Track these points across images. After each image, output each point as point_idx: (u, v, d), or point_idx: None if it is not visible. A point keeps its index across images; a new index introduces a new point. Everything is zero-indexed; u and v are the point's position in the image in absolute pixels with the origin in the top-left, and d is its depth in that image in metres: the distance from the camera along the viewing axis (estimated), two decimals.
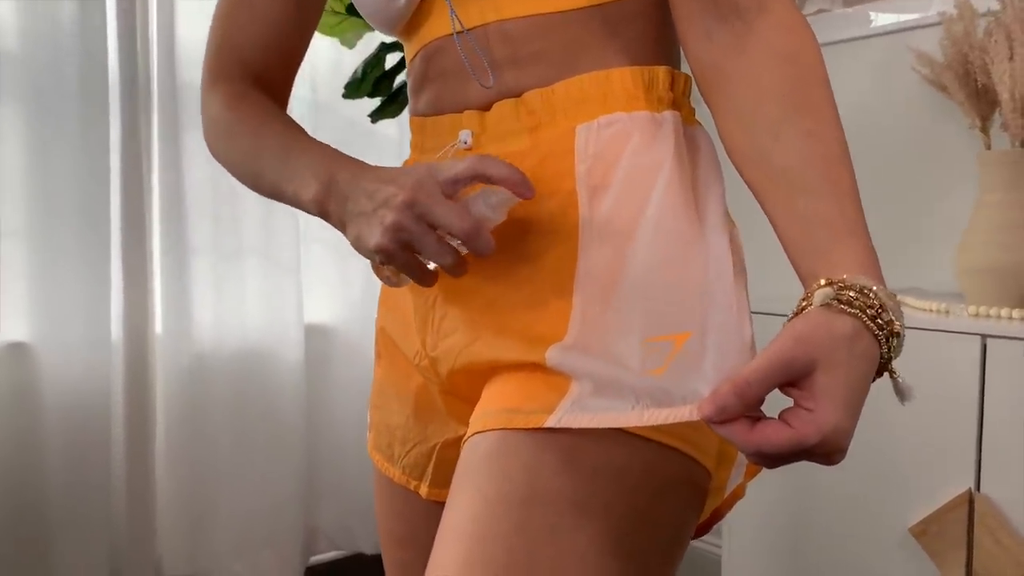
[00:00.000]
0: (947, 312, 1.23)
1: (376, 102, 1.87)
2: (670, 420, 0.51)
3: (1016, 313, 1.15)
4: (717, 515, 0.63)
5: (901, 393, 0.49)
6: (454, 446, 0.67)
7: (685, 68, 0.65)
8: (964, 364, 1.13)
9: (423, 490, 0.72)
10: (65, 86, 1.71)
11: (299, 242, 2.05)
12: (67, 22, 1.71)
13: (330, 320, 2.14)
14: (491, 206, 0.57)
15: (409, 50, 0.70)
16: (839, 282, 0.48)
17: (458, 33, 0.62)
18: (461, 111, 0.64)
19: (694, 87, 0.63)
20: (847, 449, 0.46)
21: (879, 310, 0.47)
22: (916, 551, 1.17)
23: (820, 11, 1.78)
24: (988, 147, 1.29)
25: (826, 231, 0.51)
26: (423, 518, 0.72)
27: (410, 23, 0.67)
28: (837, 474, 1.31)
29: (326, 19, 1.78)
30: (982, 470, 1.11)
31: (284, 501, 2.05)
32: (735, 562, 1.44)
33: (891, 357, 0.48)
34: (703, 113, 0.64)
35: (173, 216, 1.88)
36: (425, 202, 0.55)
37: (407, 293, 0.68)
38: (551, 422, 0.53)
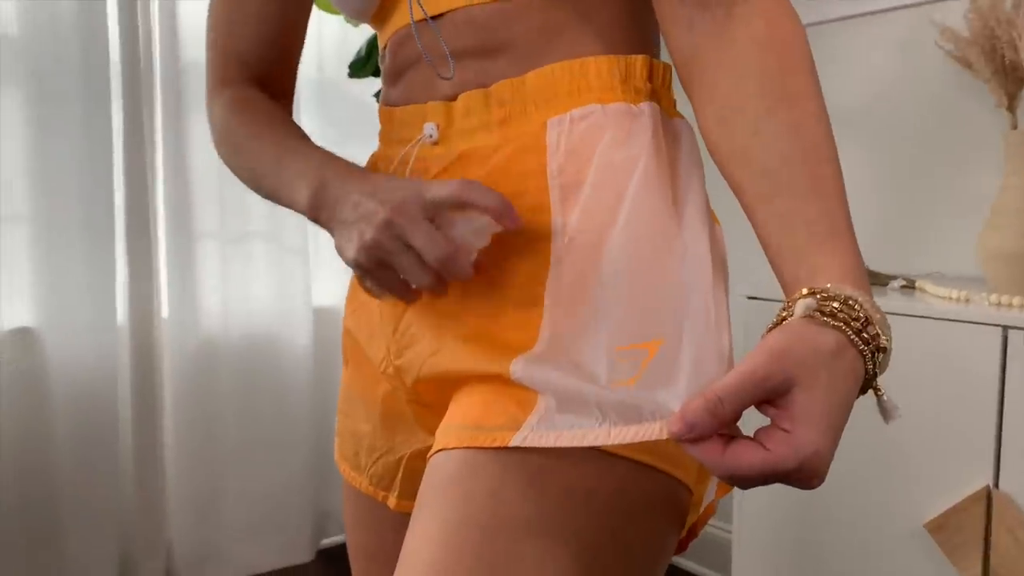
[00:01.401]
0: (967, 300, 1.18)
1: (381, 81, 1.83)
2: (638, 438, 0.48)
3: None
4: (693, 532, 0.60)
5: (886, 412, 0.45)
6: (423, 456, 0.64)
7: (666, 56, 0.61)
8: (984, 355, 1.08)
9: (391, 501, 0.69)
10: (66, 69, 1.69)
11: (307, 225, 2.02)
12: (67, 4, 1.68)
13: (339, 303, 2.12)
14: (474, 230, 0.55)
15: (380, 40, 0.67)
16: (822, 292, 0.44)
17: (418, 21, 0.59)
18: (427, 102, 0.61)
19: (676, 76, 0.59)
20: (826, 474, 0.42)
21: (864, 323, 0.43)
22: (930, 546, 1.14)
23: None
24: (1014, 127, 1.23)
25: (807, 233, 0.47)
26: (391, 530, 0.70)
27: (379, 12, 0.65)
28: (853, 464, 1.28)
29: None
30: (1001, 466, 1.07)
31: (294, 484, 2.05)
32: (744, 546, 1.41)
33: (876, 373, 0.44)
34: (687, 104, 0.60)
35: (178, 199, 1.86)
36: (404, 224, 0.53)
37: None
38: (516, 440, 0.50)
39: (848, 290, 0.44)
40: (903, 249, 1.59)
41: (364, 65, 1.75)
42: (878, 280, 1.41)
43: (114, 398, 1.79)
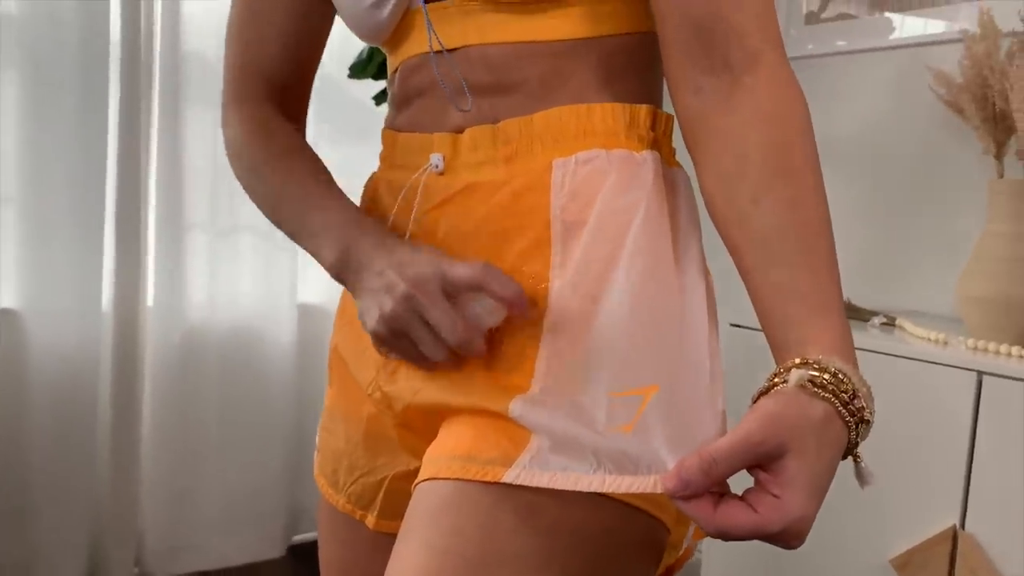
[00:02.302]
0: (945, 343, 1.20)
1: (381, 84, 1.84)
2: (632, 490, 0.50)
3: (1016, 350, 1.13)
4: (670, 572, 0.62)
5: (862, 478, 0.48)
6: (405, 479, 0.66)
7: (668, 106, 0.62)
8: (958, 399, 1.10)
9: (370, 521, 0.70)
10: (65, 53, 1.68)
11: None
12: None
13: (324, 300, 2.12)
14: (487, 309, 0.56)
15: (391, 63, 0.68)
16: (814, 363, 0.46)
17: (436, 52, 0.60)
18: (434, 132, 0.62)
19: (677, 128, 0.61)
20: (807, 536, 0.45)
21: (852, 396, 0.46)
22: None
23: (842, 16, 1.73)
24: (1001, 175, 1.26)
25: (800, 305, 0.49)
26: (367, 550, 0.70)
27: (393, 36, 0.65)
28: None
29: None
30: (968, 508, 1.09)
31: (270, 479, 2.05)
32: (713, 572, 1.43)
33: (858, 442, 0.47)
34: (685, 154, 0.62)
35: (170, 189, 1.86)
36: (423, 300, 0.55)
37: None
38: (509, 477, 0.51)
39: (838, 363, 0.46)
40: (884, 285, 1.62)
41: (365, 67, 1.75)
42: (859, 316, 1.43)
43: (95, 384, 1.79)
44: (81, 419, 1.77)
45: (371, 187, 0.70)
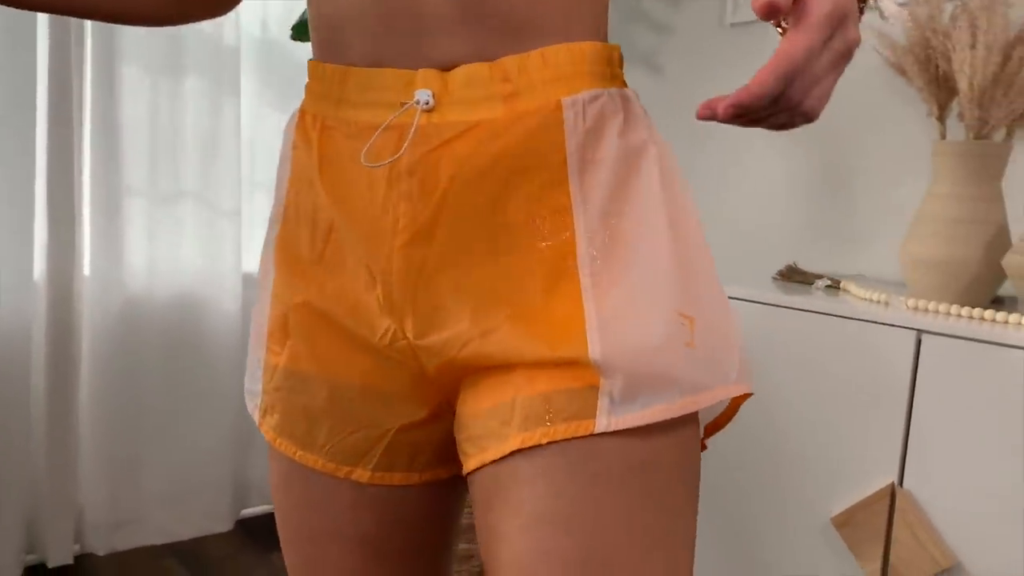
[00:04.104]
0: (887, 303, 1.21)
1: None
2: (717, 399, 0.56)
3: (954, 309, 1.14)
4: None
5: (879, 10, 0.54)
6: (411, 430, 0.65)
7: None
8: (897, 358, 1.11)
9: (363, 475, 0.66)
10: None
11: (240, 187, 1.97)
12: None
13: None
14: None
15: None
16: None
17: None
18: (414, 68, 0.57)
19: None
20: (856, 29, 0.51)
21: None
22: (837, 541, 1.17)
23: None
24: (943, 136, 1.26)
25: None
26: (347, 509, 0.67)
27: None
28: (765, 458, 1.31)
29: None
30: (906, 466, 1.11)
31: (215, 452, 2.01)
32: None
33: None
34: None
35: (106, 152, 1.80)
36: None
37: (360, 268, 0.61)
38: (600, 427, 0.54)
39: None
40: (830, 249, 1.63)
41: (308, 28, 1.70)
42: (804, 279, 1.44)
43: (27, 357, 1.73)
44: (13, 393, 1.71)
45: (313, 127, 0.62)
